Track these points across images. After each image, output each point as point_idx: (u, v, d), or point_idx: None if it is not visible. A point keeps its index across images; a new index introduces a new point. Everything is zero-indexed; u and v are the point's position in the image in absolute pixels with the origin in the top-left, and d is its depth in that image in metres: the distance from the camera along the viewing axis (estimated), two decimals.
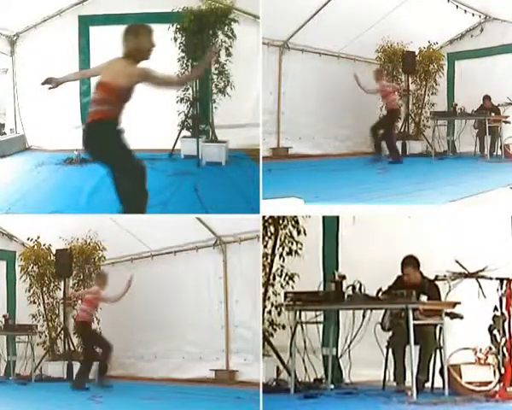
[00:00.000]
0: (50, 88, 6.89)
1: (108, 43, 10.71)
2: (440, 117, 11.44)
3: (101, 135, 6.30)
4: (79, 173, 9.70)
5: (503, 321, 7.07)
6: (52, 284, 9.94)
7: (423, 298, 7.07)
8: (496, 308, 7.11)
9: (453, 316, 7.19)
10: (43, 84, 6.87)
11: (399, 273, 7.45)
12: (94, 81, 6.62)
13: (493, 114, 11.02)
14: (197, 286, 9.35)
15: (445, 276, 7.35)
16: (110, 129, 6.33)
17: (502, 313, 7.08)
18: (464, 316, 7.21)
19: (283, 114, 11.02)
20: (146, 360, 9.80)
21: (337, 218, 8.12)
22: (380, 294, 7.11)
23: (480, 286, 7.26)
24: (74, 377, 8.99)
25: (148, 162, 9.61)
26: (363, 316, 7.37)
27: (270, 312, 7.97)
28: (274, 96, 10.91)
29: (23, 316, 9.68)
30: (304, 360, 7.61)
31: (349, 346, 7.57)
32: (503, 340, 7.08)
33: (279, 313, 7.98)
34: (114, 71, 6.25)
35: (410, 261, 7.42)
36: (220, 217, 8.22)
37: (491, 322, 7.13)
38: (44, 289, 9.89)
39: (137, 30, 6.34)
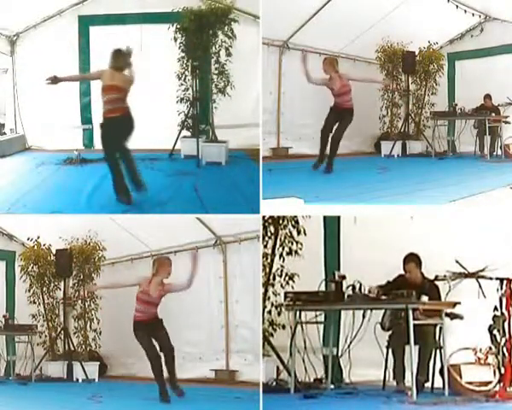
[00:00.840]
0: (48, 83, 8.20)
1: (108, 44, 10.81)
2: (440, 117, 11.43)
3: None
4: (79, 173, 9.70)
5: (503, 321, 7.08)
6: (52, 284, 9.93)
7: (423, 298, 7.08)
8: (496, 308, 7.12)
9: (453, 317, 7.19)
10: (47, 80, 8.32)
11: (400, 272, 7.45)
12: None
13: (493, 114, 11.01)
14: (197, 286, 9.33)
15: (445, 276, 7.36)
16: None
17: (502, 313, 7.09)
18: (464, 316, 7.21)
19: (283, 114, 11.01)
20: (146, 360, 9.78)
21: (338, 218, 8.12)
22: (377, 291, 7.11)
23: (480, 286, 7.26)
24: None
25: (148, 162, 9.71)
26: (363, 316, 7.37)
27: (270, 312, 7.97)
28: (274, 96, 10.91)
29: (23, 316, 9.67)
30: (304, 360, 7.61)
31: (349, 346, 7.57)
32: (503, 340, 7.09)
33: (279, 313, 7.98)
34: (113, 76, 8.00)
35: (412, 259, 7.43)
36: (220, 217, 8.22)
37: (491, 322, 7.14)
38: (44, 289, 9.88)
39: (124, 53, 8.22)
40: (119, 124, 8.03)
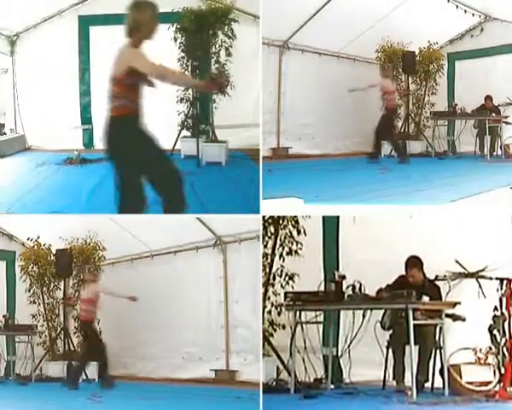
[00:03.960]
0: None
1: (108, 43, 10.81)
2: (440, 117, 11.44)
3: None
4: (79, 173, 9.70)
5: (503, 321, 7.07)
6: (52, 284, 9.93)
7: (424, 298, 7.07)
8: (496, 308, 7.11)
9: (455, 318, 7.18)
10: None
11: (400, 273, 7.44)
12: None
13: (493, 114, 11.02)
14: (197, 286, 9.35)
15: (445, 276, 7.35)
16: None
17: (502, 313, 7.08)
18: (465, 319, 7.21)
19: (283, 114, 11.02)
20: (146, 360, 9.79)
21: (337, 218, 8.12)
22: (379, 293, 7.12)
23: (480, 286, 7.26)
24: (68, 375, 9.10)
25: None
26: (363, 316, 7.37)
27: (270, 312, 7.97)
28: (274, 96, 10.91)
29: (23, 316, 9.67)
30: (304, 360, 7.61)
31: (349, 346, 7.57)
32: (503, 340, 7.08)
33: (279, 313, 7.98)
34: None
35: (415, 263, 7.39)
36: (220, 217, 8.22)
37: (491, 322, 7.13)
38: (44, 289, 9.88)
39: (141, 4, 6.06)
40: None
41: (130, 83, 5.99)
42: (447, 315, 7.10)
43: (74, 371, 8.96)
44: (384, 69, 11.29)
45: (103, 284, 8.92)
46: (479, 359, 7.36)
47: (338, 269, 7.76)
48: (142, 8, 5.98)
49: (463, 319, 7.20)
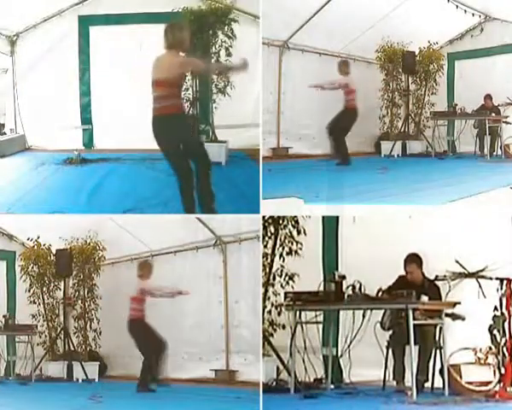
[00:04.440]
0: None
1: (108, 44, 10.82)
2: (440, 117, 11.43)
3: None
4: (79, 173, 9.70)
5: (503, 321, 7.07)
6: (52, 284, 9.93)
7: (424, 298, 7.07)
8: (496, 308, 7.12)
9: (455, 317, 7.19)
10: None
11: (400, 273, 7.45)
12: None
13: (493, 114, 11.02)
14: (197, 286, 9.35)
15: (444, 276, 7.36)
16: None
17: (502, 313, 7.08)
18: (465, 319, 7.21)
19: (283, 114, 11.01)
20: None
21: (337, 218, 8.12)
22: (380, 294, 7.12)
23: (479, 286, 7.26)
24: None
25: (149, 162, 9.71)
26: (363, 316, 7.37)
27: (270, 312, 7.97)
28: (274, 96, 10.90)
29: (23, 316, 9.67)
30: (304, 360, 7.61)
31: (349, 346, 7.57)
32: (503, 340, 7.09)
33: (279, 313, 7.98)
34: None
35: (414, 259, 7.42)
36: (220, 217, 8.21)
37: (491, 322, 7.14)
38: (44, 289, 9.88)
39: (179, 25, 7.44)
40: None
41: (181, 84, 7.28)
42: (447, 314, 7.11)
43: (142, 372, 8.52)
44: (342, 65, 10.58)
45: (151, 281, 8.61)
46: (479, 359, 7.36)
47: (337, 269, 7.76)
48: (182, 28, 7.34)
49: (463, 319, 7.20)
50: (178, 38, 7.19)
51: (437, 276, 7.41)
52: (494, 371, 7.19)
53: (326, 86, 10.47)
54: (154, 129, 7.03)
